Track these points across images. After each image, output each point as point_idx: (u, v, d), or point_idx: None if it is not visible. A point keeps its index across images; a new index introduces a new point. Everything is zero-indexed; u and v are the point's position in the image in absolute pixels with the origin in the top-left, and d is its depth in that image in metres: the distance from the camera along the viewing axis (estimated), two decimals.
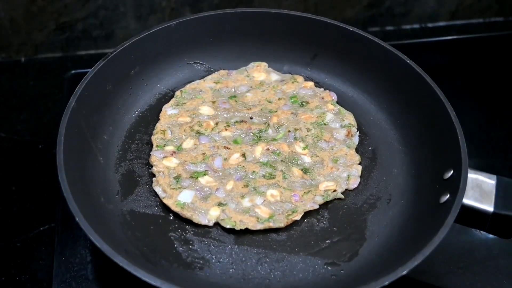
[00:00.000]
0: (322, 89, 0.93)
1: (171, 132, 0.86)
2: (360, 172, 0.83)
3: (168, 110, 0.89)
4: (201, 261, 0.73)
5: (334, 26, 0.93)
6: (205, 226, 0.76)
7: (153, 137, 0.85)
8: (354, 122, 0.89)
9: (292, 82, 0.93)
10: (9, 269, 0.80)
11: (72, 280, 0.77)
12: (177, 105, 0.90)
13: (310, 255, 0.74)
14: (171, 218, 0.77)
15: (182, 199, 0.78)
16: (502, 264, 0.83)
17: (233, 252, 0.74)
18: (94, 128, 0.82)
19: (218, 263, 0.73)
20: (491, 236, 0.84)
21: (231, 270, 0.72)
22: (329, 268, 0.73)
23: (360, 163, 0.84)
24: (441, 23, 1.26)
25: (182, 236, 0.75)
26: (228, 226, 0.75)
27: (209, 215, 0.76)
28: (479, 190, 0.72)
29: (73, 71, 1.06)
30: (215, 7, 1.12)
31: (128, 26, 1.12)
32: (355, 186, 0.82)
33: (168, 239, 0.75)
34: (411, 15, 1.23)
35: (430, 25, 1.25)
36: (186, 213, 0.76)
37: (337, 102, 0.91)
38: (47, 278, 0.79)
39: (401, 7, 1.22)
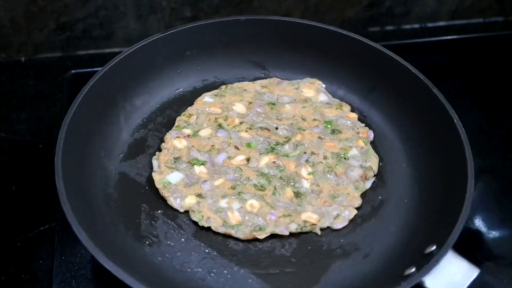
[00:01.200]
0: (363, 124, 0.89)
1: (197, 117, 0.88)
2: (351, 216, 0.79)
3: (206, 97, 0.91)
4: (154, 239, 0.75)
5: (398, 63, 0.87)
6: (176, 210, 0.78)
7: (178, 117, 0.88)
8: (375, 167, 0.84)
9: (336, 108, 0.90)
10: (9, 269, 0.80)
11: (72, 280, 0.77)
12: (216, 96, 0.91)
13: (254, 274, 0.73)
14: (152, 192, 0.80)
15: (169, 179, 0.80)
16: (502, 264, 0.83)
17: (187, 242, 0.76)
18: (129, 89, 0.88)
19: (168, 246, 0.75)
20: (491, 236, 0.85)
21: (175, 257, 0.74)
22: None
23: (358, 208, 0.80)
24: (441, 23, 1.26)
25: (151, 212, 0.78)
26: (194, 219, 0.77)
27: (184, 202, 0.78)
28: (452, 279, 0.66)
29: (73, 71, 1.06)
30: (214, 7, 1.12)
31: (128, 26, 1.12)
32: (339, 227, 0.78)
33: (139, 209, 0.78)
34: (411, 15, 1.23)
35: (430, 25, 1.25)
36: (165, 193, 0.79)
37: (372, 142, 0.87)
38: (47, 278, 0.79)
39: (401, 7, 1.21)
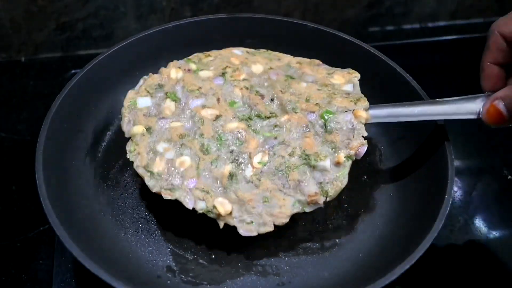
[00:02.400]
0: (365, 134, 0.75)
1: (213, 59, 0.85)
2: (263, 231, 0.69)
3: (236, 50, 0.88)
4: (114, 183, 0.82)
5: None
6: (123, 132, 0.79)
7: (197, 53, 0.86)
8: (333, 194, 0.71)
9: (351, 101, 0.78)
10: (10, 269, 0.80)
11: (72, 280, 0.77)
12: (248, 52, 0.87)
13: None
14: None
15: (138, 101, 0.80)
16: (502, 264, 0.83)
17: (134, 196, 0.81)
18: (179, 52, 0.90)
19: (120, 194, 0.82)
20: (491, 236, 0.85)
21: (119, 205, 0.80)
22: None
23: (277, 227, 0.70)
24: (441, 23, 1.26)
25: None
26: (127, 148, 0.76)
27: (132, 128, 0.77)
28: None
29: (73, 71, 1.06)
30: (214, 6, 1.12)
31: (128, 26, 1.12)
32: (242, 233, 0.69)
33: (122, 152, 0.80)
34: (411, 15, 1.23)
35: (430, 25, 1.25)
36: (124, 111, 0.79)
37: (358, 160, 0.74)
38: (47, 278, 0.79)
39: (401, 7, 1.21)
